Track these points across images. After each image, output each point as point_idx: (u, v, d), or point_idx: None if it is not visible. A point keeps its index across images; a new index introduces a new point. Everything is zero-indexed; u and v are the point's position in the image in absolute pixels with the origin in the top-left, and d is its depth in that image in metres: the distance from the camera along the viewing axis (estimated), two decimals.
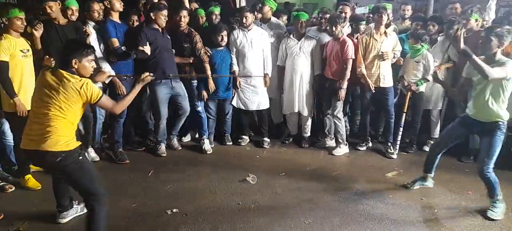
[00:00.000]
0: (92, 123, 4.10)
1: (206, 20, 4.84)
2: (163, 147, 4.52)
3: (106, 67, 4.00)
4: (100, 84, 3.92)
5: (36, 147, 2.37)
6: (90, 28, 3.95)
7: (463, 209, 3.37)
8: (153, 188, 3.66)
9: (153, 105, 4.47)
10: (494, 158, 3.09)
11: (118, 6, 4.05)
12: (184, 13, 4.29)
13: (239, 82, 4.67)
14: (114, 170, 4.08)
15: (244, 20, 4.52)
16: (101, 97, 2.48)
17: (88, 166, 2.57)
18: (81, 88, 2.38)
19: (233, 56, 4.63)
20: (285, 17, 5.60)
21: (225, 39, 4.51)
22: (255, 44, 4.59)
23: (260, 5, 4.91)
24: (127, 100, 2.73)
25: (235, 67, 4.65)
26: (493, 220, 3.13)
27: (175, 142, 4.72)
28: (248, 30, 4.59)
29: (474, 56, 2.77)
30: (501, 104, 3.02)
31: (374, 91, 4.45)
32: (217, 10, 4.78)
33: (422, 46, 4.30)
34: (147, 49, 3.95)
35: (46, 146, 2.35)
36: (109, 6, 4.04)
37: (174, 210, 3.21)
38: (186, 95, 4.42)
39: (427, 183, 3.68)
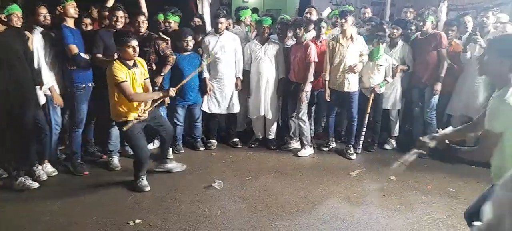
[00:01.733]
0: (47, 135, 3.89)
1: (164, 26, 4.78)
2: (115, 159, 4.24)
3: (47, 77, 3.79)
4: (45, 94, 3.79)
5: None
6: (37, 33, 3.74)
7: (423, 203, 3.49)
8: (114, 199, 3.52)
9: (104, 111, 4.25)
10: None
11: (73, 11, 3.84)
12: (142, 18, 4.17)
13: (210, 87, 4.63)
14: (73, 182, 3.89)
15: (220, 26, 4.54)
16: None
17: None
18: None
19: (205, 63, 4.51)
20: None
21: (191, 44, 4.46)
22: (227, 49, 4.59)
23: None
24: (143, 97, 3.48)
25: (206, 74, 4.61)
26: None
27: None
28: (220, 35, 4.57)
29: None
30: None
31: (339, 95, 4.57)
32: (176, 19, 4.74)
33: (383, 49, 4.45)
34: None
35: None
36: (62, 12, 3.85)
37: (137, 221, 3.10)
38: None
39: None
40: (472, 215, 2.09)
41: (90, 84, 4.01)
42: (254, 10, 6.04)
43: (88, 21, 4.26)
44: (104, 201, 3.48)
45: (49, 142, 3.93)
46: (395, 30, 4.68)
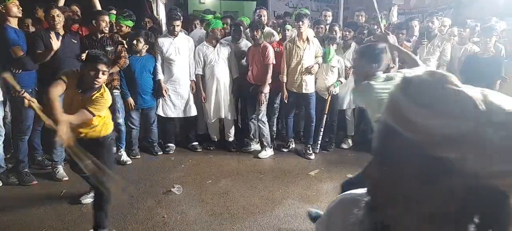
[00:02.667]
0: None
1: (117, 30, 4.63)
2: (61, 170, 3.92)
3: None
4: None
5: None
6: None
7: None
8: (66, 209, 3.33)
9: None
10: None
11: (16, 10, 3.59)
12: (107, 18, 4.04)
13: (165, 90, 4.52)
14: (21, 193, 3.63)
15: (176, 29, 4.44)
16: None
17: None
18: None
19: (158, 65, 4.47)
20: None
21: (141, 45, 4.34)
22: (182, 51, 4.51)
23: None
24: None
25: (160, 76, 4.51)
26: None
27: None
28: (175, 37, 4.48)
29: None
30: None
31: (294, 96, 4.63)
32: (125, 23, 4.59)
33: (334, 50, 4.58)
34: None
35: None
36: (4, 11, 3.56)
37: None
38: None
39: None
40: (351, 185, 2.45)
41: (36, 88, 3.76)
42: (210, 12, 5.98)
43: (29, 21, 4.00)
44: (55, 211, 3.28)
45: None
46: (347, 33, 4.83)
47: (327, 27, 5.23)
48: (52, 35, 3.54)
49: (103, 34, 4.06)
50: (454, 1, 6.20)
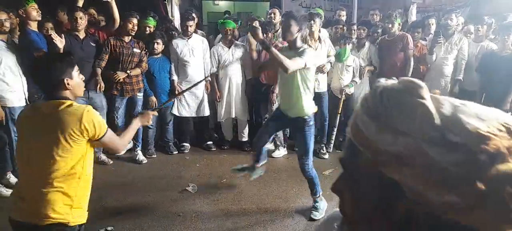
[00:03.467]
0: (7, 147, 3.67)
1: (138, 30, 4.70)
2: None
3: (16, 85, 3.63)
4: None
5: None
6: None
7: None
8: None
9: None
10: (310, 153, 3.11)
11: (35, 14, 3.68)
12: (134, 20, 4.10)
13: (178, 90, 4.59)
14: None
15: (189, 29, 4.48)
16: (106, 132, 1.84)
17: None
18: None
19: (172, 66, 4.56)
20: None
21: (159, 47, 4.41)
22: (196, 52, 4.56)
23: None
24: (128, 138, 2.11)
25: (174, 77, 4.57)
26: (316, 220, 3.15)
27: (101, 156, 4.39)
28: (189, 38, 4.52)
29: (273, 48, 2.72)
30: (306, 97, 2.97)
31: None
32: (152, 23, 4.63)
33: (349, 49, 4.56)
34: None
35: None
36: (24, 15, 3.66)
37: (109, 228, 3.02)
38: (105, 107, 4.20)
39: (256, 172, 3.51)
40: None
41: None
42: (226, 13, 6.04)
43: (49, 25, 4.08)
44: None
45: (10, 153, 3.71)
46: (361, 31, 4.81)
47: (344, 27, 5.20)
48: (54, 36, 3.53)
49: (130, 37, 4.15)
50: None
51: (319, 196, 3.23)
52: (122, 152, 2.32)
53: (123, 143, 2.04)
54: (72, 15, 3.82)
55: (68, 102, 1.76)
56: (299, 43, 2.94)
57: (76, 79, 1.83)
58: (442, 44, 4.51)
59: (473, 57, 4.49)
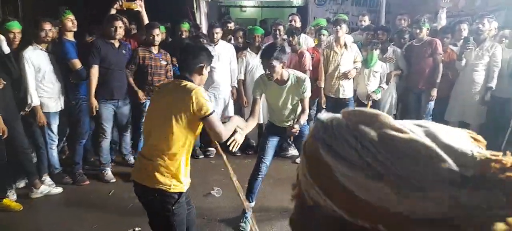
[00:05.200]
0: (43, 150, 3.87)
1: (171, 36, 4.86)
2: (109, 172, 4.17)
3: (54, 92, 3.83)
4: None
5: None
6: (35, 50, 3.64)
7: None
8: (114, 207, 3.56)
9: (96, 123, 4.23)
10: None
11: (71, 25, 3.87)
12: (157, 31, 4.19)
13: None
14: (74, 192, 3.92)
15: (215, 36, 4.59)
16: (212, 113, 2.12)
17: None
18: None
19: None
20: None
21: None
22: (222, 58, 4.65)
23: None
24: (230, 129, 2.36)
25: None
26: None
27: (131, 158, 4.57)
28: (215, 45, 4.64)
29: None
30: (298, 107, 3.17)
31: (332, 102, 4.62)
32: (185, 27, 4.79)
33: (376, 55, 4.52)
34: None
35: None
36: (61, 26, 3.88)
37: (137, 229, 3.14)
38: (129, 115, 4.33)
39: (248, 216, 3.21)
40: None
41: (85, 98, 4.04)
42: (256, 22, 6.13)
43: (47, 26, 4.06)
44: (104, 209, 3.52)
45: (46, 156, 3.92)
46: (381, 35, 4.77)
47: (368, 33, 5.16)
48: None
49: (158, 49, 4.27)
50: (505, 2, 5.87)
51: None
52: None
53: (225, 130, 2.26)
54: (112, 24, 3.93)
55: (187, 82, 2.11)
56: (285, 75, 3.00)
57: (206, 72, 2.24)
58: (472, 50, 4.38)
59: (506, 63, 4.34)
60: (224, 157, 2.85)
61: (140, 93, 4.19)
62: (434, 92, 4.54)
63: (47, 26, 3.69)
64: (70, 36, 3.92)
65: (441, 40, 4.64)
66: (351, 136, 0.44)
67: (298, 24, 5.12)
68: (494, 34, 4.79)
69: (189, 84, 2.10)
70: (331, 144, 0.45)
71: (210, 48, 4.59)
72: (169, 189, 2.07)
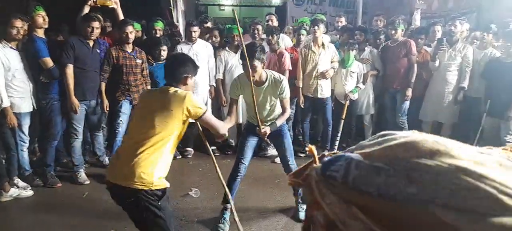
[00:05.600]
0: (14, 153, 3.71)
1: (147, 34, 4.76)
2: (82, 173, 4.05)
3: (25, 91, 3.68)
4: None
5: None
6: (3, 48, 3.50)
7: None
8: (89, 209, 3.45)
9: (68, 123, 4.09)
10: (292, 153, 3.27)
11: (42, 21, 3.72)
12: (130, 28, 4.08)
13: None
14: (45, 195, 3.78)
15: (193, 34, 4.53)
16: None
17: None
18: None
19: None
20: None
21: (164, 53, 4.45)
22: (200, 57, 4.59)
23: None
24: (228, 124, 2.72)
25: None
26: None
27: (105, 159, 4.46)
28: (193, 43, 4.57)
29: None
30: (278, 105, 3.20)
31: (310, 101, 4.65)
32: (159, 25, 4.70)
33: (353, 55, 4.58)
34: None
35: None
36: (31, 23, 3.67)
37: None
38: (102, 115, 4.23)
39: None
40: None
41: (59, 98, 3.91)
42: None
43: (18, 24, 3.90)
44: (78, 212, 3.41)
45: (16, 158, 3.76)
46: (359, 36, 4.84)
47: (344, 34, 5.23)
48: None
49: (132, 47, 4.17)
50: (476, 4, 6.06)
51: (302, 198, 3.29)
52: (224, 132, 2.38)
53: (222, 125, 2.51)
54: (89, 24, 3.82)
55: (175, 89, 2.19)
56: (263, 76, 3.01)
57: (191, 82, 2.34)
58: (445, 51, 4.50)
59: (477, 64, 4.48)
60: (213, 156, 2.87)
61: (105, 103, 4.10)
62: (409, 92, 4.63)
63: (18, 23, 3.51)
64: (40, 33, 3.76)
65: (416, 41, 4.75)
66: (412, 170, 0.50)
67: (275, 23, 5.13)
68: (466, 35, 4.94)
69: (179, 90, 2.19)
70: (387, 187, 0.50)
71: (187, 46, 4.59)
72: (152, 187, 2.06)
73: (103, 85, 4.09)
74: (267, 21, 5.16)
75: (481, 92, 4.43)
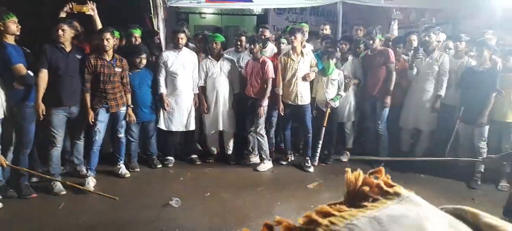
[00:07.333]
0: None
1: (126, 41, 4.69)
2: (58, 184, 3.90)
3: None
4: None
5: None
6: None
7: None
8: (64, 222, 3.34)
9: (46, 130, 3.94)
10: None
11: (14, 28, 3.60)
12: (107, 35, 4.00)
13: (167, 103, 4.56)
14: (20, 206, 3.63)
15: (180, 41, 4.50)
16: None
17: None
18: None
19: (162, 78, 4.54)
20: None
21: (144, 61, 4.40)
22: (186, 65, 4.56)
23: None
24: None
25: (163, 89, 4.56)
26: None
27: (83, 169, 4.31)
28: (180, 51, 4.53)
29: None
30: None
31: (290, 108, 4.67)
32: (137, 33, 4.64)
33: (334, 64, 4.64)
34: (30, 73, 3.63)
35: None
36: (2, 28, 3.54)
37: None
38: (83, 122, 4.12)
39: None
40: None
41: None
42: (217, 29, 6.05)
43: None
44: (54, 224, 3.29)
45: None
46: (344, 46, 4.90)
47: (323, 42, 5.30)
48: None
49: (112, 55, 4.10)
50: (451, 16, 6.26)
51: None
52: None
53: None
54: (57, 28, 3.76)
55: None
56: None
57: None
58: (422, 59, 4.61)
59: (454, 73, 4.61)
60: None
61: (90, 115, 4.01)
62: (388, 100, 4.71)
63: None
64: (11, 40, 3.61)
65: (394, 50, 4.85)
66: None
67: (268, 35, 5.24)
68: (442, 45, 5.09)
69: None
70: None
71: (173, 53, 4.53)
72: None
73: (88, 95, 4.01)
74: (260, 34, 5.21)
75: (456, 100, 4.56)
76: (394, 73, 4.70)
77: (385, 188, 0.57)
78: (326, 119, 4.74)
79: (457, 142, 4.54)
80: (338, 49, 4.95)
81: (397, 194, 0.56)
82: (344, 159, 5.11)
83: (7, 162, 3.58)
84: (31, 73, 3.66)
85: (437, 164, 4.44)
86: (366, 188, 0.57)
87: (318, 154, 4.86)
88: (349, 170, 0.66)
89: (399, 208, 0.54)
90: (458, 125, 4.46)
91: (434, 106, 4.66)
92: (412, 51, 4.85)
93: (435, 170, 4.48)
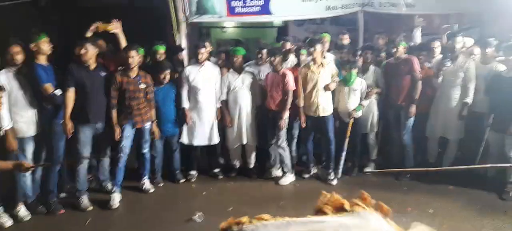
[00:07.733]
0: (18, 178, 3.71)
1: (150, 58, 4.79)
2: (85, 199, 4.03)
3: (26, 116, 3.71)
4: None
5: None
6: (3, 74, 3.57)
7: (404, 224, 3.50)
8: None
9: (73, 147, 4.02)
10: None
11: (47, 48, 3.76)
12: (133, 53, 4.09)
13: (190, 117, 4.62)
14: (48, 222, 3.75)
15: (200, 56, 4.56)
16: None
17: None
18: None
19: (184, 93, 4.60)
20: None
21: (168, 77, 4.47)
22: (208, 79, 4.61)
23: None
24: None
25: (185, 104, 4.62)
26: None
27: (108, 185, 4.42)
28: (201, 66, 4.60)
29: None
30: None
31: (312, 120, 4.63)
32: (162, 49, 4.73)
33: (355, 73, 4.58)
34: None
35: None
36: (35, 49, 3.71)
37: None
38: (109, 139, 4.19)
39: None
40: None
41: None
42: (238, 42, 6.13)
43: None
44: None
45: (20, 184, 3.75)
46: (368, 55, 4.83)
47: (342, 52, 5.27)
48: None
49: (137, 72, 4.18)
50: (477, 20, 6.06)
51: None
52: None
53: None
54: (80, 47, 3.87)
55: None
56: None
57: None
58: (448, 66, 4.48)
59: (482, 79, 4.44)
60: None
61: (117, 131, 4.09)
62: (413, 109, 4.59)
63: (15, 49, 3.59)
64: (42, 60, 3.77)
65: (418, 58, 4.73)
66: None
67: (289, 46, 5.29)
68: (467, 50, 4.92)
69: None
70: None
71: (195, 68, 4.60)
72: None
73: (114, 112, 4.10)
74: (282, 46, 5.24)
75: (485, 107, 4.39)
76: (420, 82, 4.58)
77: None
78: (349, 130, 4.66)
79: (487, 152, 4.36)
80: (359, 58, 4.88)
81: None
82: (369, 170, 4.99)
83: (30, 164, 3.61)
84: (58, 93, 3.79)
85: (466, 175, 4.27)
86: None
87: (341, 166, 4.77)
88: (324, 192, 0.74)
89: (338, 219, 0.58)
90: (488, 133, 4.28)
91: (462, 114, 4.50)
92: (434, 58, 4.72)
93: (464, 181, 4.31)
